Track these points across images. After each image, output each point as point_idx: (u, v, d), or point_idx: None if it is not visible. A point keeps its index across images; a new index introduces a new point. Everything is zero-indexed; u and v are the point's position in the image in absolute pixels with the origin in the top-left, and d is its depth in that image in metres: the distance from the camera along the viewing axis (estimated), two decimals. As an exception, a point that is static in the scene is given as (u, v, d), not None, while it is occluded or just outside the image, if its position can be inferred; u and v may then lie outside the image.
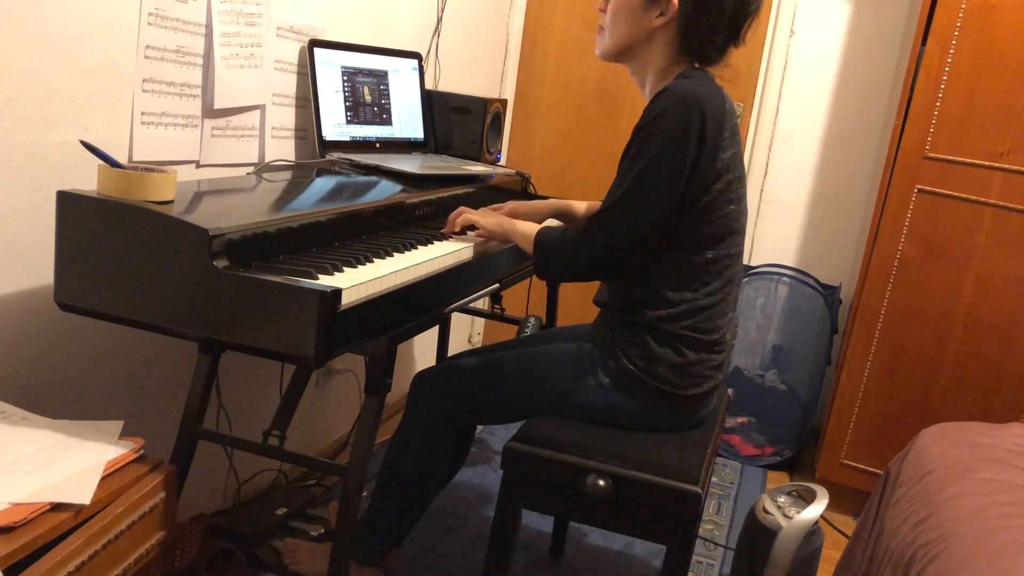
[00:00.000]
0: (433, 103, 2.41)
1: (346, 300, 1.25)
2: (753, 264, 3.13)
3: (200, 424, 1.57)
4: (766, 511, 1.87)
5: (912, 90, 2.39)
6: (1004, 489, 1.52)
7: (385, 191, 1.78)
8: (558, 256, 1.52)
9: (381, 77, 2.18)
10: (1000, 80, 2.29)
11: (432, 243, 1.66)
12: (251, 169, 1.89)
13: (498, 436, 2.80)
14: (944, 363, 2.46)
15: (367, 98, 2.12)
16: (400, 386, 2.86)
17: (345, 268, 1.38)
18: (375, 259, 1.47)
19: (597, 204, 1.87)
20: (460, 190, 2.00)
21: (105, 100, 1.49)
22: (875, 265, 2.49)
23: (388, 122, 2.20)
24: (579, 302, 3.31)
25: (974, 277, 2.40)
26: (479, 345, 3.50)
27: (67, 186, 1.37)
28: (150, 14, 1.53)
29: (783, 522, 1.83)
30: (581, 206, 1.87)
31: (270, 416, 1.86)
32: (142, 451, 1.23)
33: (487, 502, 2.35)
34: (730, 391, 1.94)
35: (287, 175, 1.87)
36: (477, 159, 2.39)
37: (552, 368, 1.59)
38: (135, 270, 1.26)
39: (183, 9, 1.60)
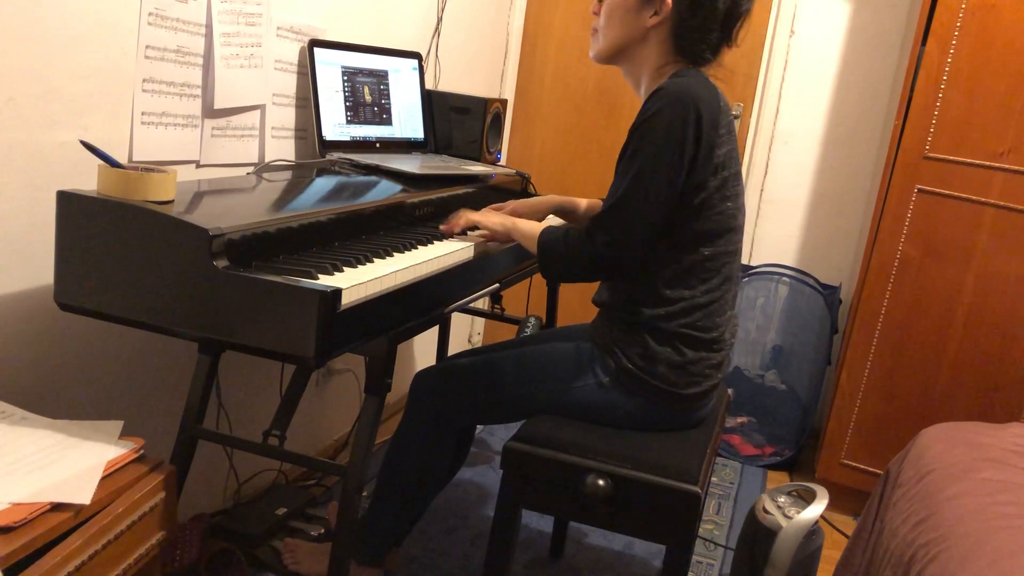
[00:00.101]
0: (433, 103, 2.41)
1: (346, 300, 1.25)
2: (753, 264, 3.13)
3: (200, 424, 1.57)
4: (766, 511, 1.87)
5: (912, 90, 2.39)
6: (1004, 489, 1.52)
7: (385, 191, 1.78)
8: (561, 257, 1.52)
9: (381, 77, 2.18)
10: (1000, 80, 2.30)
11: (432, 243, 1.66)
12: (251, 169, 1.89)
13: (498, 436, 2.80)
14: (944, 363, 2.46)
15: (367, 98, 2.12)
16: (400, 386, 2.86)
17: (345, 268, 1.38)
18: (375, 259, 1.47)
19: (598, 202, 1.87)
20: (460, 190, 2.00)
21: (105, 100, 1.49)
22: (875, 265, 2.49)
23: (388, 122, 2.20)
24: (579, 302, 3.31)
25: (974, 277, 2.40)
26: (479, 345, 3.50)
27: (67, 186, 1.37)
28: (150, 14, 1.53)
29: (783, 522, 1.83)
30: (582, 203, 1.87)
31: (270, 416, 1.86)
32: (142, 451, 1.23)
33: (487, 502, 2.35)
34: (730, 391, 1.94)
35: (287, 175, 1.87)
36: (477, 159, 2.39)
37: (552, 368, 1.59)
38: (135, 270, 1.26)
39: (183, 9, 1.60)
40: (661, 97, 1.43)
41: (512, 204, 1.82)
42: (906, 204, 2.43)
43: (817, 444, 2.82)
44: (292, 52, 1.95)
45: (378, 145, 2.15)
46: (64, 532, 1.05)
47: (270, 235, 1.35)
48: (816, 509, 1.85)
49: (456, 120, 2.40)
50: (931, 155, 2.39)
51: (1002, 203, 2.34)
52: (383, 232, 1.69)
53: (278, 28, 1.89)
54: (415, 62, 2.31)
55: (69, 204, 1.28)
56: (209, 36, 1.68)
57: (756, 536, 1.86)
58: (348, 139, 2.05)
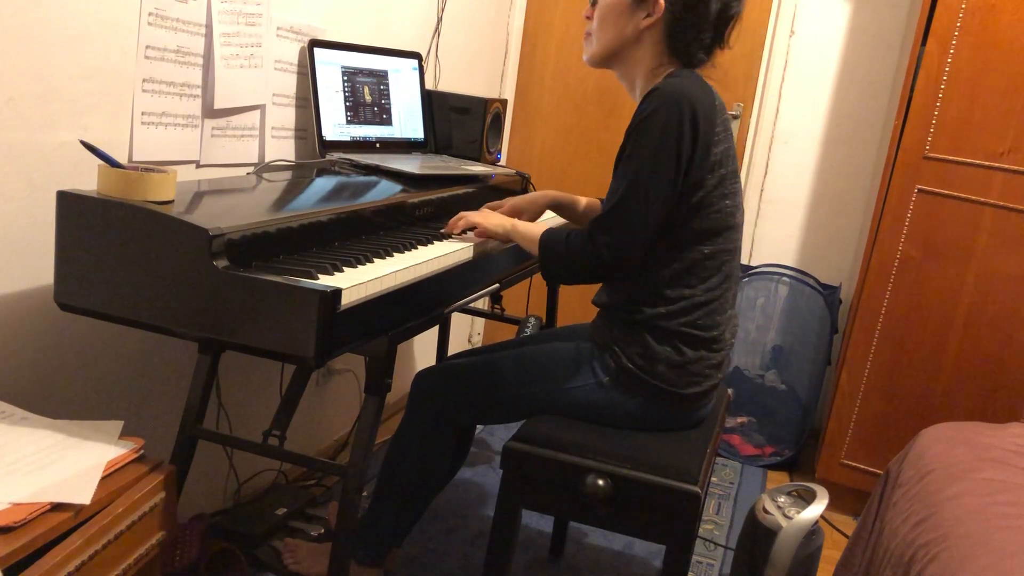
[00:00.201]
0: (433, 103, 2.41)
1: (346, 300, 1.25)
2: (753, 264, 3.13)
3: (200, 424, 1.57)
4: (766, 511, 1.87)
5: (912, 90, 2.39)
6: (1004, 489, 1.52)
7: (385, 191, 1.78)
8: (563, 258, 1.52)
9: (381, 77, 2.18)
10: (1000, 80, 2.30)
11: (432, 243, 1.67)
12: (251, 169, 1.89)
13: (498, 436, 2.80)
14: (944, 363, 2.46)
15: (367, 98, 2.12)
16: (400, 386, 2.86)
17: (345, 268, 1.38)
18: (375, 259, 1.47)
19: (597, 201, 1.87)
20: (460, 190, 2.00)
21: (105, 100, 1.49)
22: (875, 265, 2.49)
23: (388, 122, 2.20)
24: (579, 302, 3.31)
25: (974, 277, 2.40)
26: (479, 345, 3.50)
27: (67, 186, 1.37)
28: (150, 14, 1.53)
29: (783, 522, 1.83)
30: (581, 200, 1.87)
31: (270, 416, 1.86)
32: (142, 451, 1.23)
33: (487, 502, 2.35)
34: (730, 391, 1.94)
35: (287, 175, 1.87)
36: (477, 159, 2.39)
37: (552, 367, 1.59)
38: (135, 270, 1.26)
39: (183, 9, 1.60)
40: (656, 97, 1.44)
41: (511, 202, 1.82)
42: (906, 204, 2.43)
43: (817, 444, 2.82)
44: (292, 52, 1.95)
45: (378, 145, 2.15)
46: (64, 532, 1.05)
47: (270, 235, 1.35)
48: (816, 509, 1.85)
49: (456, 120, 2.40)
50: (931, 155, 2.39)
51: (1002, 203, 2.34)
52: (383, 232, 1.69)
53: (278, 28, 1.89)
54: (415, 62, 2.31)
55: (69, 204, 1.28)
56: (209, 36, 1.68)
57: (756, 536, 1.86)
58: (348, 139, 2.05)
